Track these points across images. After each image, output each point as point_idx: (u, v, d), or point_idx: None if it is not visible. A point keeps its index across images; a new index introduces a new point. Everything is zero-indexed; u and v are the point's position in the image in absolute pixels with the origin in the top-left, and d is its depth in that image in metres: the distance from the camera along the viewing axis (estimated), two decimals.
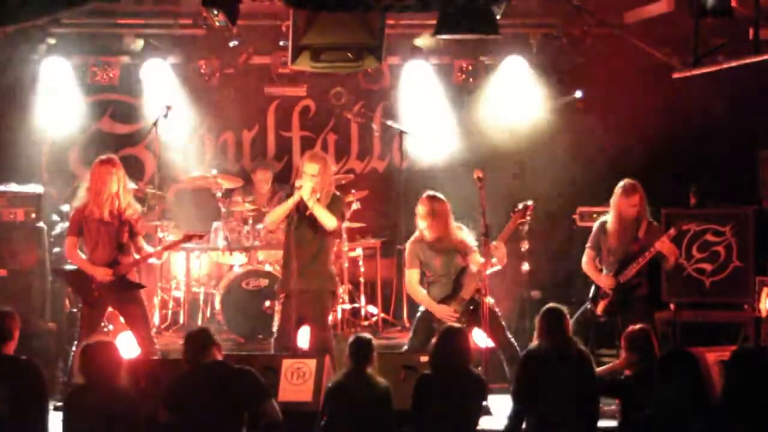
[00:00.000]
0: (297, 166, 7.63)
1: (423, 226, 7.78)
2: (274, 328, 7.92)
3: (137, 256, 7.70)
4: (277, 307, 7.66)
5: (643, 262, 7.83)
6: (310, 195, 7.39)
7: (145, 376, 6.62)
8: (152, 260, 8.33)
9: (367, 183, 10.31)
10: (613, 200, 8.03)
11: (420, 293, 7.85)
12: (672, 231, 7.85)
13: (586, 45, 9.98)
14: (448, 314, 7.69)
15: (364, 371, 6.06)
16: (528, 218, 7.88)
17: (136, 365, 6.73)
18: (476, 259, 7.71)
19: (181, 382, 5.88)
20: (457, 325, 6.77)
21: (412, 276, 7.87)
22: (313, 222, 7.47)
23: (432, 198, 7.80)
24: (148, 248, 7.86)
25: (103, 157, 7.73)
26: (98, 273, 7.52)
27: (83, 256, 7.61)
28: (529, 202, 7.84)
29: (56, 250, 8.89)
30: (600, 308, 7.92)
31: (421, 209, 7.79)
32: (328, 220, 7.44)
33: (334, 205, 7.55)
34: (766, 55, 6.89)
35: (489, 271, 7.63)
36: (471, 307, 7.70)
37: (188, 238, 8.08)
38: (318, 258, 7.55)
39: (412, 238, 7.94)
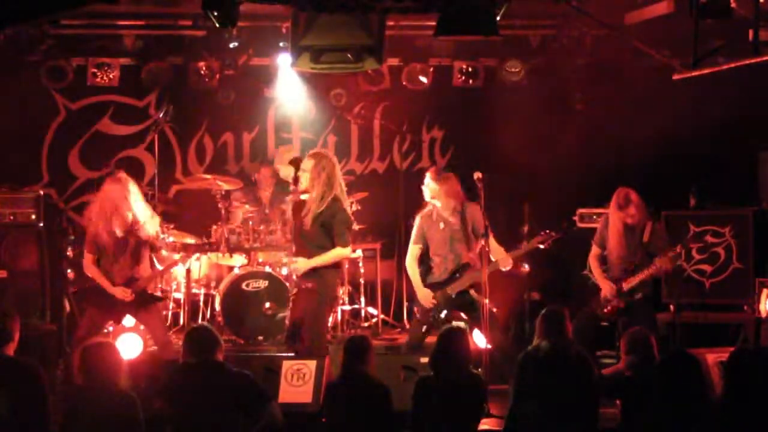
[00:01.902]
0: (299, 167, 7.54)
1: (430, 195, 7.78)
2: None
3: (160, 267, 7.82)
4: (289, 305, 7.66)
5: (647, 275, 7.76)
6: (304, 190, 7.31)
7: (144, 377, 6.62)
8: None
9: (367, 184, 10.28)
10: (609, 210, 7.99)
11: (414, 270, 7.83)
12: (678, 248, 7.80)
13: (586, 46, 9.99)
14: (426, 299, 7.70)
15: (361, 371, 6.02)
16: (546, 246, 7.78)
17: (135, 366, 6.73)
18: (493, 244, 7.66)
19: (180, 377, 5.87)
20: (455, 326, 6.75)
21: (413, 250, 7.86)
22: (317, 221, 7.38)
23: (438, 171, 7.88)
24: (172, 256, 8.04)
25: (114, 173, 7.76)
26: (117, 293, 7.54)
27: (100, 273, 7.60)
28: (555, 233, 7.77)
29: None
30: (606, 311, 7.88)
31: (427, 178, 7.80)
32: (333, 258, 7.25)
33: (339, 225, 7.22)
34: (765, 57, 6.89)
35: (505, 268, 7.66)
36: (454, 305, 7.68)
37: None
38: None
39: (422, 212, 7.88)
